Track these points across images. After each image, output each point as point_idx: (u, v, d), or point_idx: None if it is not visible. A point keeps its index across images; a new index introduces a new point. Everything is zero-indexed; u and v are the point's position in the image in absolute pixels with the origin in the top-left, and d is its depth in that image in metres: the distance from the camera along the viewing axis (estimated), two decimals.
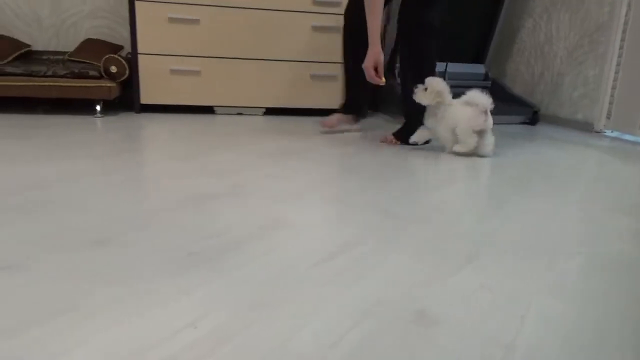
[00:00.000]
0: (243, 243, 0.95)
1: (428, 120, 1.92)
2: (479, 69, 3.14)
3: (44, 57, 2.61)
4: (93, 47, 2.55)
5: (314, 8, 2.59)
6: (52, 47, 2.72)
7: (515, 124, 2.88)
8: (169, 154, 1.68)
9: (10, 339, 0.62)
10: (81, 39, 2.70)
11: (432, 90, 1.84)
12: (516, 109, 2.92)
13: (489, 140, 1.88)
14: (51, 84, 2.26)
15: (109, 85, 2.33)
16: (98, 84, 2.32)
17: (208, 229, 1.02)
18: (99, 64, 2.37)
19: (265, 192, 1.30)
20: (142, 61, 2.48)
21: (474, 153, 1.88)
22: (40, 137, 1.83)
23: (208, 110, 2.67)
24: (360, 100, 2.24)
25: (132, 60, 2.47)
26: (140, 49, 2.46)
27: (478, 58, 3.15)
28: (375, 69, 1.90)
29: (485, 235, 1.07)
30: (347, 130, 2.30)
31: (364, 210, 1.19)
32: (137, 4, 2.38)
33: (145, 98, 2.53)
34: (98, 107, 2.38)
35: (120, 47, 2.66)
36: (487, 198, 1.39)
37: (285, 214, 1.13)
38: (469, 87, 3.12)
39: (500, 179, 1.59)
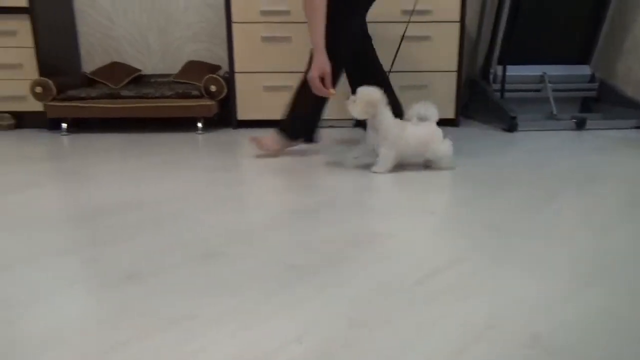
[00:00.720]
0: (342, 258, 0.95)
1: (368, 136, 1.67)
2: (584, 70, 2.90)
3: (152, 80, 2.84)
4: (194, 69, 2.73)
5: (404, 18, 2.56)
6: (159, 70, 2.96)
7: (628, 128, 2.62)
8: (267, 168, 1.73)
9: (131, 346, 0.67)
10: (184, 61, 2.91)
11: (361, 101, 1.60)
12: (630, 112, 2.66)
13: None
14: (159, 104, 2.45)
15: (209, 103, 2.48)
16: (199, 102, 2.48)
17: (307, 243, 1.03)
18: (200, 84, 2.53)
19: (363, 205, 1.30)
20: (239, 79, 2.61)
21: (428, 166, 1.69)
22: (152, 155, 1.99)
23: None
24: (315, 119, 1.97)
25: (230, 79, 2.60)
26: (236, 68, 2.59)
27: (582, 58, 2.92)
28: (323, 80, 1.71)
29: (605, 253, 0.98)
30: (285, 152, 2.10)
31: (468, 224, 1.14)
32: (234, 26, 2.52)
33: (241, 114, 2.65)
34: (199, 125, 2.54)
35: (219, 67, 2.82)
36: (604, 213, 1.27)
37: (385, 228, 1.12)
38: (571, 90, 2.94)
39: (618, 191, 1.45)
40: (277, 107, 2.63)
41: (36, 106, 2.54)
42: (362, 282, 0.85)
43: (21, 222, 1.17)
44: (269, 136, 1.93)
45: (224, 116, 2.72)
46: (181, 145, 2.21)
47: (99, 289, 0.83)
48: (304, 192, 1.44)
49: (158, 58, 2.96)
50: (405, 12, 2.54)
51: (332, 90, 1.74)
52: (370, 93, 1.60)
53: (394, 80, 2.61)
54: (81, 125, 2.56)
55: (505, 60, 2.75)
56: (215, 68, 2.78)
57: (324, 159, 1.88)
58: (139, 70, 2.80)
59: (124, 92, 2.47)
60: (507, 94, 2.78)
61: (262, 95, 2.63)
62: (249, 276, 0.87)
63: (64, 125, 2.50)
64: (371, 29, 2.57)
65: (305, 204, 1.31)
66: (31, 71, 2.53)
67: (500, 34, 2.74)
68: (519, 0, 2.64)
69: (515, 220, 1.17)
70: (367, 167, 1.68)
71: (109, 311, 0.75)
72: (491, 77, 2.84)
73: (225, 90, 2.52)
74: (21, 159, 1.92)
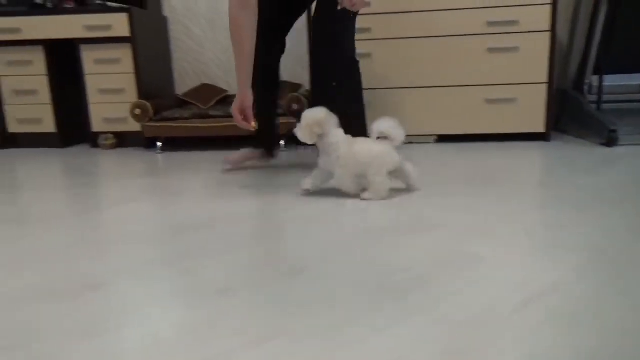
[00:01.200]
0: (432, 279, 0.92)
1: (320, 160, 1.55)
2: None
3: None
4: None
5: (490, 29, 2.48)
6: None
7: None
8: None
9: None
10: None
11: (306, 124, 1.49)
12: None
13: (411, 169, 1.56)
14: None
15: (291, 121, 2.54)
16: (282, 120, 2.54)
17: (395, 263, 1.01)
18: (282, 103, 2.60)
19: (452, 224, 1.25)
20: None
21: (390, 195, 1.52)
22: (238, 172, 2.07)
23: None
24: (269, 134, 2.09)
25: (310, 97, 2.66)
26: None
27: None
28: (244, 114, 1.72)
29: None
30: (255, 167, 2.13)
31: (566, 247, 1.06)
32: None
33: None
34: (282, 142, 2.61)
35: (300, 86, 2.89)
36: None
37: (476, 249, 1.07)
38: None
39: None
40: None
41: (135, 127, 2.75)
42: (454, 308, 0.81)
43: (119, 235, 1.26)
44: (241, 151, 2.11)
45: None
46: (265, 161, 2.28)
47: (191, 303, 0.86)
48: (382, 209, 1.42)
49: None
50: (490, 23, 2.46)
51: (253, 124, 1.75)
52: (313, 114, 1.50)
53: (481, 93, 2.53)
54: (174, 143, 2.73)
55: (602, 69, 2.56)
56: (296, 86, 2.85)
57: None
58: (226, 91, 2.95)
59: (213, 112, 2.61)
60: (604, 106, 2.58)
61: None
62: (337, 295, 0.87)
63: (159, 144, 2.68)
64: (454, 42, 2.52)
65: (383, 223, 1.29)
66: (131, 95, 2.75)
67: (596, 42, 2.56)
68: (616, 5, 2.46)
69: (621, 244, 1.07)
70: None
71: (200, 325, 0.78)
72: (586, 87, 2.66)
73: (306, 108, 2.57)
74: (121, 175, 2.07)
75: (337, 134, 1.50)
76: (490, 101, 2.54)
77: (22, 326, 0.79)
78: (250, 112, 1.73)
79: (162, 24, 3.03)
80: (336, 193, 1.62)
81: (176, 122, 2.59)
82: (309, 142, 1.52)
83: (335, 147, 1.49)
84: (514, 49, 2.45)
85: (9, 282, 0.97)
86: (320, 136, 1.49)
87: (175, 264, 1.04)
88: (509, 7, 2.43)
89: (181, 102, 2.90)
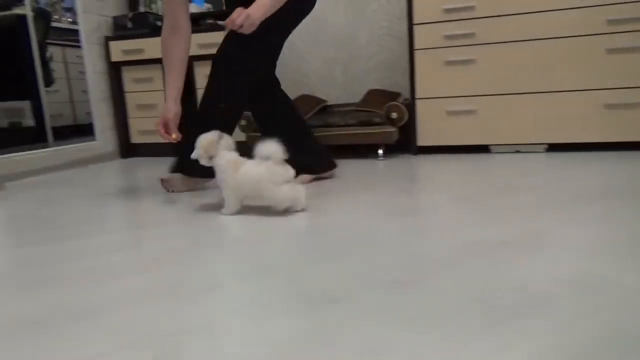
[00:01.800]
0: (549, 300, 0.86)
1: (217, 180, 1.60)
2: None
3: (336, 109, 3.02)
4: (375, 97, 2.82)
5: (609, 28, 2.27)
6: (341, 100, 3.14)
7: None
8: (450, 196, 1.68)
9: None
10: (364, 91, 3.03)
11: (199, 147, 1.56)
12: None
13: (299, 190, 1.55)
14: (344, 132, 2.59)
15: (390, 130, 2.53)
16: (381, 129, 2.54)
17: (505, 280, 0.96)
18: (381, 112, 2.60)
19: (568, 241, 1.16)
20: (420, 106, 2.61)
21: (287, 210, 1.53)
22: (339, 180, 2.09)
23: (483, 149, 2.61)
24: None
25: (410, 106, 2.62)
26: (417, 94, 2.60)
27: None
28: (166, 126, 1.78)
29: None
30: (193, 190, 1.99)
31: None
32: (416, 53, 2.54)
33: (422, 140, 2.64)
34: (380, 151, 2.60)
35: (398, 94, 2.87)
36: None
37: (602, 270, 0.98)
38: None
39: None
40: (459, 132, 2.57)
41: (240, 137, 2.90)
42: (579, 334, 0.75)
43: (230, 241, 1.33)
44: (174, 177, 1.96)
45: (404, 143, 2.75)
46: (365, 171, 2.28)
47: (299, 311, 0.88)
48: (493, 223, 1.35)
49: (341, 89, 3.15)
50: (611, 21, 2.26)
51: (174, 136, 1.78)
52: (205, 137, 1.56)
53: (598, 98, 2.32)
54: None
55: None
56: (395, 95, 2.83)
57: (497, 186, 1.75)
58: (325, 101, 3.01)
59: (313, 122, 2.67)
60: None
61: (444, 120, 2.59)
62: (447, 312, 0.84)
63: None
64: (566, 44, 2.34)
65: (495, 237, 1.22)
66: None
67: None
68: None
69: None
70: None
71: (306, 335, 0.79)
72: None
73: (406, 117, 2.55)
74: None
75: (223, 156, 1.56)
76: (609, 106, 2.33)
77: (143, 326, 0.86)
78: (172, 125, 1.81)
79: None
80: (436, 202, 1.58)
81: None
82: (204, 164, 1.58)
83: (220, 168, 1.56)
84: (637, 49, 2.22)
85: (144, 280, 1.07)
86: (212, 158, 1.57)
87: (280, 272, 1.08)
88: (632, 2, 2.22)
89: None
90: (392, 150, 2.81)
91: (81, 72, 3.40)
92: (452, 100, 2.56)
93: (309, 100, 2.98)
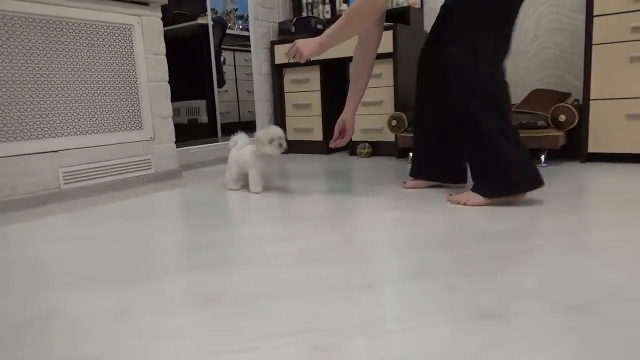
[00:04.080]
0: None
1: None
2: None
3: None
4: (540, 98, 2.58)
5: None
6: None
7: None
8: (629, 214, 1.46)
9: None
10: (527, 91, 2.79)
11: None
12: None
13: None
14: None
15: (556, 134, 2.30)
16: (545, 133, 2.32)
17: None
18: (546, 114, 2.37)
19: None
20: (593, 107, 2.32)
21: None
22: None
23: None
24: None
25: (583, 107, 2.35)
26: (592, 94, 2.31)
27: None
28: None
29: None
30: None
31: None
32: (594, 48, 2.26)
33: (593, 146, 2.35)
34: (542, 157, 2.38)
35: (568, 95, 2.59)
36: None
37: None
38: None
39: None
40: None
41: (389, 137, 2.90)
42: None
43: (387, 244, 1.33)
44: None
45: (570, 149, 2.47)
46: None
47: (453, 323, 0.84)
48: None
49: None
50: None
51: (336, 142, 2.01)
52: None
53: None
54: None
55: None
56: (564, 96, 2.56)
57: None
58: None
59: None
60: None
61: (623, 124, 2.27)
62: (632, 345, 0.72)
63: (411, 154, 2.76)
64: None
65: None
66: (389, 107, 2.92)
67: None
68: None
69: None
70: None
71: (460, 351, 0.75)
72: None
73: (577, 120, 2.29)
74: (377, 182, 2.20)
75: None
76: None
77: (303, 316, 0.90)
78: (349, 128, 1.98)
79: (421, 38, 3.12)
80: (612, 219, 1.38)
81: None
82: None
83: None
84: None
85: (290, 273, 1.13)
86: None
87: (441, 278, 1.04)
88: None
89: None
90: (556, 156, 2.55)
91: (247, 74, 3.73)
92: (635, 101, 2.22)
93: None
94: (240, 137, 2.12)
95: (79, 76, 2.03)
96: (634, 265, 1.05)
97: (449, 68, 1.63)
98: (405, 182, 2.02)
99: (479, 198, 1.64)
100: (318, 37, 1.72)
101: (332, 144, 1.98)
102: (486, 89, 1.59)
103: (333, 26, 1.68)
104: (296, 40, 1.72)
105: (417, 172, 1.99)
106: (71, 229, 1.58)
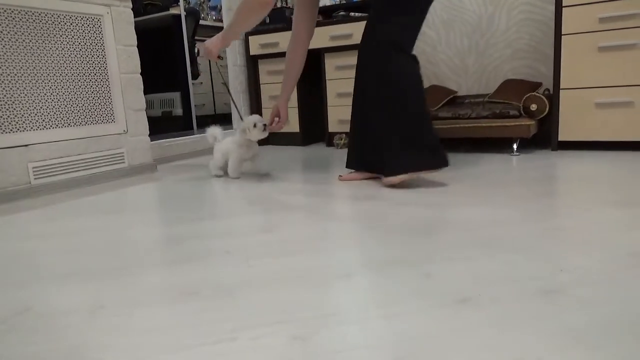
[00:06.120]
0: None
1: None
2: None
3: (467, 100, 2.88)
4: (512, 87, 2.63)
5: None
6: (474, 91, 2.98)
7: None
8: (599, 199, 1.51)
9: None
10: (500, 81, 2.84)
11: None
12: None
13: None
14: (475, 125, 2.46)
15: (527, 123, 2.34)
16: (517, 122, 2.36)
17: None
18: (518, 103, 2.42)
19: None
20: (564, 96, 2.38)
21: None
22: (470, 178, 2.00)
23: (638, 146, 2.30)
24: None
25: (553, 97, 2.40)
26: (562, 84, 2.36)
27: None
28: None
29: None
30: None
31: None
32: (564, 38, 2.31)
33: (563, 135, 2.41)
34: (515, 146, 2.43)
35: (539, 84, 2.64)
36: None
37: None
38: None
39: None
40: (610, 126, 2.29)
41: None
42: None
43: (365, 234, 1.34)
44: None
45: (541, 137, 2.53)
46: (495, 167, 2.15)
47: (428, 309, 0.85)
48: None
49: (474, 79, 2.99)
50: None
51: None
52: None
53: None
54: None
55: None
56: (535, 85, 2.61)
57: None
58: (455, 92, 2.88)
59: (442, 114, 2.58)
60: None
61: (591, 113, 2.33)
62: (604, 328, 0.75)
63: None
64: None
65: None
66: None
67: None
68: None
69: None
70: None
71: (437, 336, 0.77)
72: None
73: (547, 109, 2.34)
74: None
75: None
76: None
77: (281, 307, 0.90)
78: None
79: None
80: (594, 204, 1.42)
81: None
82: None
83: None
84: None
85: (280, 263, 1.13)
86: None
87: (417, 265, 1.06)
88: None
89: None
90: (527, 145, 2.61)
91: (222, 65, 3.68)
92: (603, 90, 2.28)
93: (438, 91, 2.88)
94: (217, 131, 2.29)
95: (48, 68, 1.97)
96: (603, 249, 1.08)
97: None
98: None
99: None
100: (221, 32, 1.99)
101: (269, 129, 2.12)
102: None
103: (231, 19, 1.94)
104: (205, 42, 2.00)
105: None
106: (43, 225, 1.55)
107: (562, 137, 2.42)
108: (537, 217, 1.36)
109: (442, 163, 1.77)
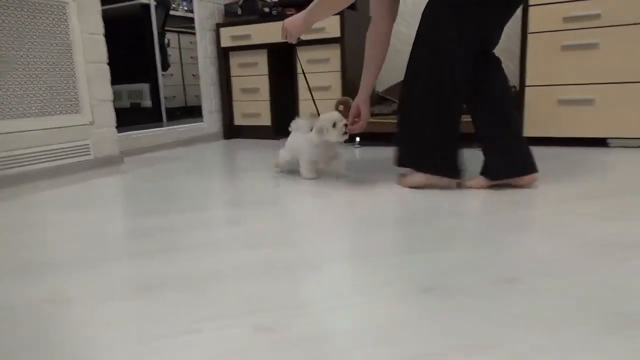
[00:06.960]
0: None
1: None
2: None
3: None
4: None
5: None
6: None
7: None
8: (566, 193, 1.56)
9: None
10: None
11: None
12: None
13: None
14: None
15: None
16: None
17: (635, 288, 0.87)
18: None
19: None
20: (529, 93, 2.44)
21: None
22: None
23: (599, 142, 2.38)
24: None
25: (519, 94, 2.46)
26: (527, 81, 2.43)
27: None
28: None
29: None
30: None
31: None
32: (529, 36, 2.37)
33: (528, 131, 2.47)
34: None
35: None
36: None
37: None
38: None
39: None
40: (573, 123, 2.37)
41: None
42: None
43: (336, 226, 1.35)
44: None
45: None
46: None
47: (394, 298, 0.87)
48: (616, 222, 1.22)
49: None
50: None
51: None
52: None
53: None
54: (372, 138, 2.82)
55: None
56: None
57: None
58: None
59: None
60: None
61: (555, 110, 2.40)
62: (560, 315, 0.78)
63: (357, 138, 2.80)
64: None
65: (617, 239, 1.11)
66: (336, 92, 2.93)
67: None
68: None
69: None
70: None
71: (402, 323, 0.78)
72: None
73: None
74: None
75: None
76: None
77: (249, 298, 0.90)
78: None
79: (367, 24, 3.15)
80: (547, 199, 1.47)
81: (376, 117, 2.68)
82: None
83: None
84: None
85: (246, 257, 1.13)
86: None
87: (386, 256, 1.07)
88: None
89: (381, 99, 2.98)
90: None
91: (192, 57, 3.63)
92: (566, 88, 2.36)
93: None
94: (302, 123, 2.02)
95: (8, 57, 1.90)
96: (561, 239, 1.12)
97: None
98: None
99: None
100: (303, 13, 1.82)
101: (348, 130, 1.84)
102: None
103: (313, 3, 1.79)
104: (284, 21, 1.83)
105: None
106: (4, 219, 1.50)
107: (527, 133, 2.48)
108: (501, 209, 1.40)
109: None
